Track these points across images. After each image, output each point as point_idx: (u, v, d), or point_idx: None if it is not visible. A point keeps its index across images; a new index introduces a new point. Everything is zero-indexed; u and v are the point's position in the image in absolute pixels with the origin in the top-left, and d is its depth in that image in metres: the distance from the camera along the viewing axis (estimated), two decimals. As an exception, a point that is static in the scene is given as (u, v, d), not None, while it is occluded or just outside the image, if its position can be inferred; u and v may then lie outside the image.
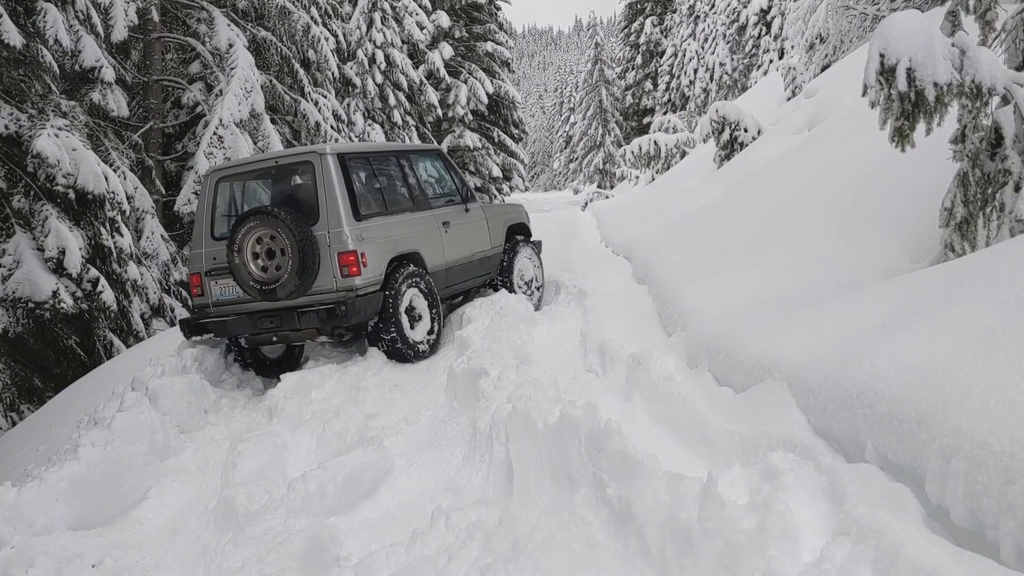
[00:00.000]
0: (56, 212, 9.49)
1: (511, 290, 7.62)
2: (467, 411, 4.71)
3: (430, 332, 6.37)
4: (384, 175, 6.62)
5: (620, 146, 35.77)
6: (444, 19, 26.14)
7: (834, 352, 3.31)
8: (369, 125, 22.35)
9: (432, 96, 25.06)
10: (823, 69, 15.26)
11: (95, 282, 9.59)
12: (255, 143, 13.36)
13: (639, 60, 42.43)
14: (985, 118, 3.75)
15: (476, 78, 27.07)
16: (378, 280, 5.89)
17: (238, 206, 6.31)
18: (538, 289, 8.07)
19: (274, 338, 6.00)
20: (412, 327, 6.21)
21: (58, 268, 9.28)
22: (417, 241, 6.41)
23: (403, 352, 6.06)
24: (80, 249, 9.42)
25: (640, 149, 19.86)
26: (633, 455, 2.99)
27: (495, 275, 7.70)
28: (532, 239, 8.35)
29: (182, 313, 12.08)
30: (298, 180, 6.14)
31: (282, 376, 5.71)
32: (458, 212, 7.17)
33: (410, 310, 6.22)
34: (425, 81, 25.06)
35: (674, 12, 40.83)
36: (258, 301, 5.81)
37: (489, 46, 28.46)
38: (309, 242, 5.58)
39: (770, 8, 30.68)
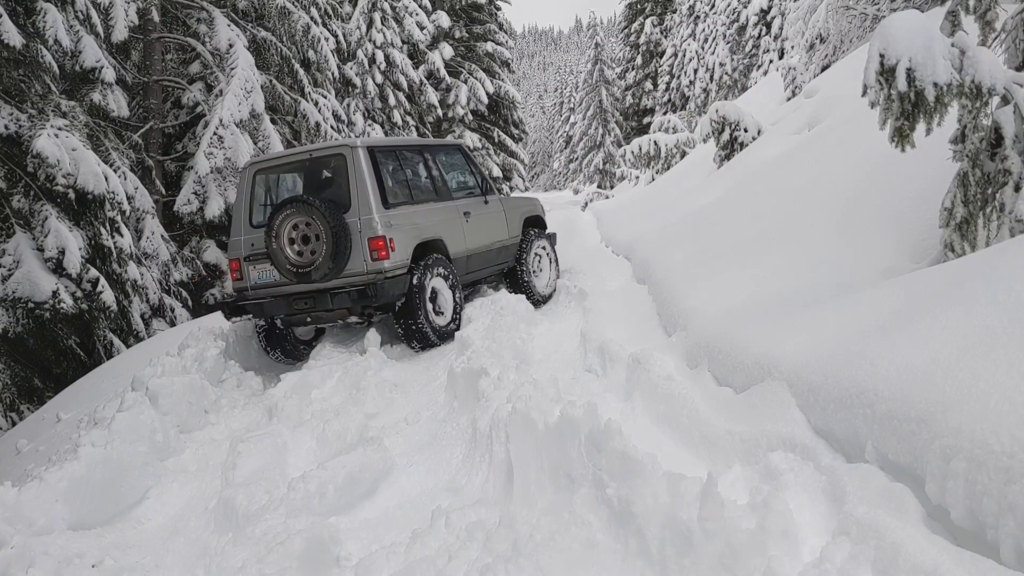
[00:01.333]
0: (56, 212, 9.50)
1: (527, 278, 7.90)
2: (467, 411, 4.71)
3: (452, 314, 6.72)
4: (410, 167, 7.02)
5: (620, 146, 35.80)
6: (444, 19, 26.15)
7: (834, 352, 3.31)
8: (369, 125, 22.36)
9: (432, 96, 25.07)
10: (823, 69, 15.26)
11: (95, 282, 9.60)
12: (255, 143, 13.37)
13: (639, 60, 42.43)
14: (985, 118, 3.75)
15: (476, 78, 27.08)
16: (405, 264, 6.25)
17: (275, 196, 6.74)
18: (552, 277, 8.36)
19: (308, 318, 6.34)
20: (435, 309, 6.58)
21: (58, 268, 9.28)
22: (440, 229, 6.77)
23: (426, 332, 6.37)
24: (80, 249, 9.43)
25: (640, 149, 19.85)
26: (633, 455, 2.99)
27: (512, 263, 7.98)
28: (548, 231, 8.68)
29: (182, 313, 12.09)
30: (331, 171, 6.50)
31: (282, 376, 5.76)
32: (478, 203, 7.52)
33: (433, 293, 6.57)
34: (425, 81, 25.07)
35: (674, 12, 40.82)
36: (293, 284, 6.18)
37: (489, 46, 28.47)
38: (342, 228, 5.96)
39: (770, 8, 30.68)
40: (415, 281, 6.25)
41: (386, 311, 6.47)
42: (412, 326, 6.32)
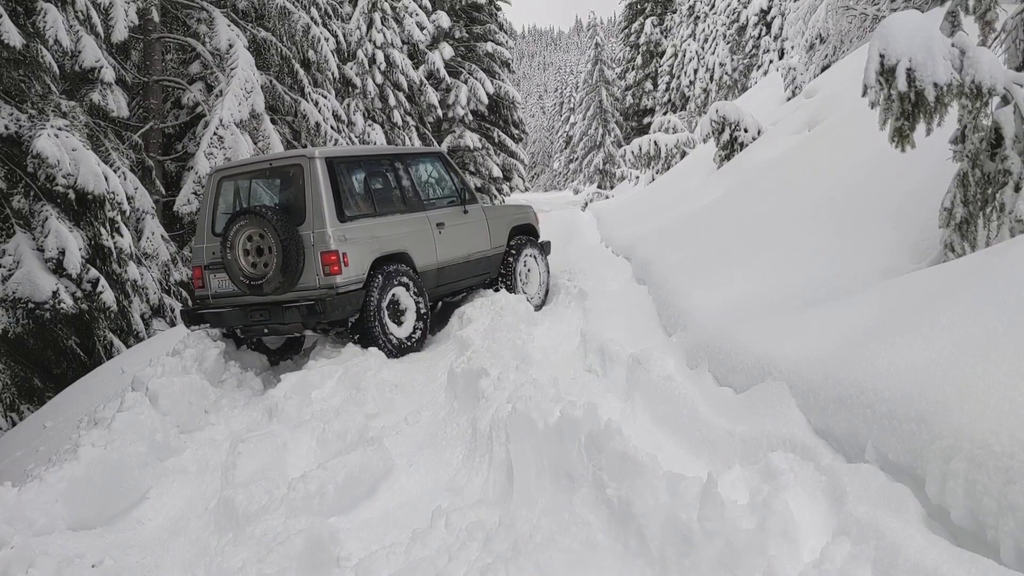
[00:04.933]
0: (56, 212, 9.49)
1: (512, 289, 7.72)
2: (467, 411, 4.71)
3: (414, 329, 6.52)
4: (376, 178, 6.86)
5: (620, 146, 35.77)
6: (444, 19, 26.16)
7: (834, 352, 3.31)
8: (369, 125, 22.36)
9: (432, 96, 25.07)
10: (823, 69, 15.28)
11: (95, 282, 9.59)
12: (255, 143, 13.37)
13: (639, 60, 42.46)
14: (985, 118, 3.75)
15: (476, 78, 27.08)
16: (360, 279, 6.10)
17: (239, 203, 6.56)
18: (542, 286, 8.22)
19: (265, 330, 6.26)
20: (397, 323, 6.41)
21: (58, 268, 9.28)
22: (405, 241, 6.59)
23: (382, 348, 6.18)
24: (80, 249, 9.42)
25: (640, 149, 19.84)
26: (633, 455, 2.99)
27: (495, 275, 7.81)
28: (540, 240, 8.49)
29: (182, 313, 12.08)
30: (289, 181, 6.37)
31: (282, 376, 5.75)
32: (455, 214, 7.30)
33: (394, 307, 6.40)
34: (425, 81, 25.07)
35: (674, 12, 40.85)
36: (248, 295, 6.07)
37: (489, 46, 28.47)
38: (293, 241, 5.84)
39: (770, 8, 30.70)
40: (371, 296, 6.11)
41: (341, 326, 6.33)
42: (367, 341, 6.16)
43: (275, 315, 5.95)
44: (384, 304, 6.23)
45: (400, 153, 7.29)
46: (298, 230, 5.90)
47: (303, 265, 5.90)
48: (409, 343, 6.42)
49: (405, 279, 6.42)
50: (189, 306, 6.68)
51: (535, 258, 8.13)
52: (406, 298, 6.46)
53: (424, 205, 7.01)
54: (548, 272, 8.33)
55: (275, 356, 6.84)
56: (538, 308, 7.86)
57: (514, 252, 7.89)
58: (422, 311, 6.56)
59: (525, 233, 8.29)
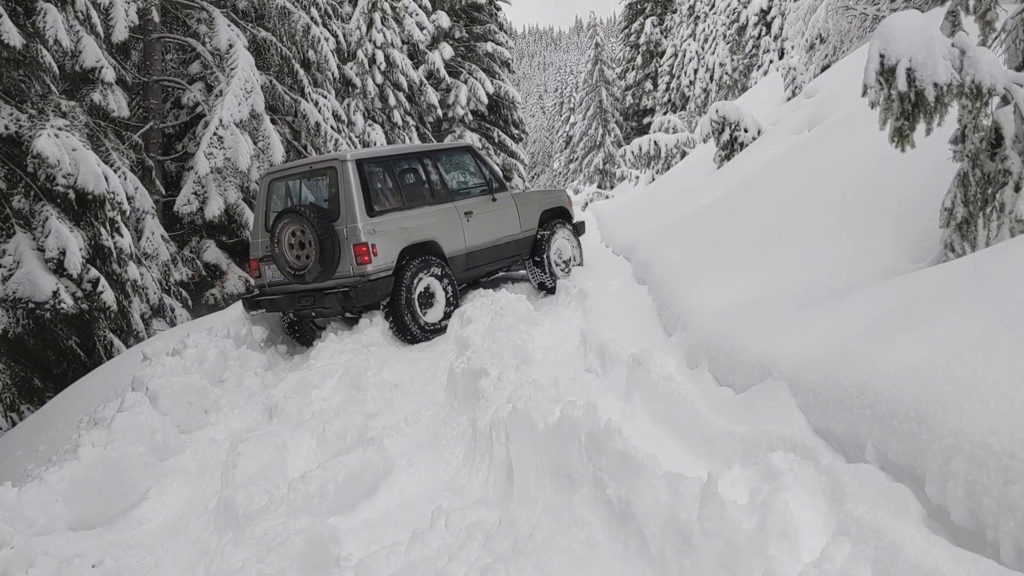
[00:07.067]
0: (56, 212, 9.49)
1: (545, 267, 8.33)
2: (467, 411, 4.71)
3: (444, 310, 7.10)
4: (406, 174, 7.52)
5: (620, 146, 35.77)
6: (444, 19, 26.16)
7: (834, 352, 3.31)
8: (369, 125, 22.36)
9: (432, 96, 25.07)
10: (823, 69, 15.30)
11: (95, 282, 9.59)
12: (255, 143, 13.37)
13: (639, 60, 42.45)
14: (985, 118, 3.75)
15: (476, 78, 27.08)
16: (389, 267, 6.76)
17: (291, 201, 7.35)
18: (573, 261, 8.80)
19: (312, 313, 7.07)
20: (426, 306, 7.01)
21: (58, 268, 9.28)
22: (433, 231, 7.23)
23: (410, 329, 6.79)
24: (80, 249, 9.42)
25: (640, 149, 19.84)
26: (633, 455, 2.99)
27: (527, 255, 8.42)
28: (573, 221, 9.11)
29: (182, 313, 12.10)
30: (326, 182, 7.07)
31: (282, 376, 5.81)
32: (484, 202, 7.90)
33: (424, 292, 7.01)
34: (425, 81, 25.07)
35: (674, 12, 40.85)
36: (294, 283, 6.86)
37: (489, 46, 28.46)
38: (329, 235, 6.53)
39: (770, 8, 30.71)
40: (400, 282, 6.70)
41: (374, 309, 6.96)
42: (398, 323, 6.77)
43: (318, 300, 6.69)
44: (413, 289, 6.85)
45: (429, 150, 7.86)
46: (333, 225, 6.57)
47: (339, 256, 6.60)
48: (437, 325, 6.97)
49: (432, 266, 7.04)
50: (249, 293, 7.61)
51: (566, 238, 8.70)
52: (434, 283, 7.06)
53: (452, 196, 7.64)
54: (580, 250, 8.93)
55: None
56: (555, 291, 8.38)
57: (545, 233, 8.45)
58: (449, 295, 7.15)
59: (558, 216, 8.86)
